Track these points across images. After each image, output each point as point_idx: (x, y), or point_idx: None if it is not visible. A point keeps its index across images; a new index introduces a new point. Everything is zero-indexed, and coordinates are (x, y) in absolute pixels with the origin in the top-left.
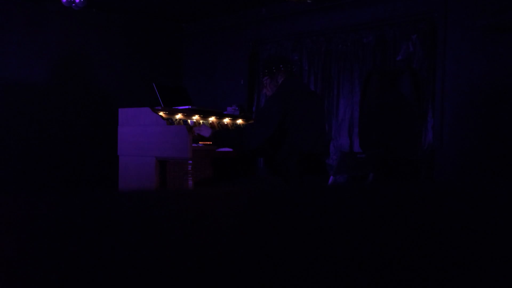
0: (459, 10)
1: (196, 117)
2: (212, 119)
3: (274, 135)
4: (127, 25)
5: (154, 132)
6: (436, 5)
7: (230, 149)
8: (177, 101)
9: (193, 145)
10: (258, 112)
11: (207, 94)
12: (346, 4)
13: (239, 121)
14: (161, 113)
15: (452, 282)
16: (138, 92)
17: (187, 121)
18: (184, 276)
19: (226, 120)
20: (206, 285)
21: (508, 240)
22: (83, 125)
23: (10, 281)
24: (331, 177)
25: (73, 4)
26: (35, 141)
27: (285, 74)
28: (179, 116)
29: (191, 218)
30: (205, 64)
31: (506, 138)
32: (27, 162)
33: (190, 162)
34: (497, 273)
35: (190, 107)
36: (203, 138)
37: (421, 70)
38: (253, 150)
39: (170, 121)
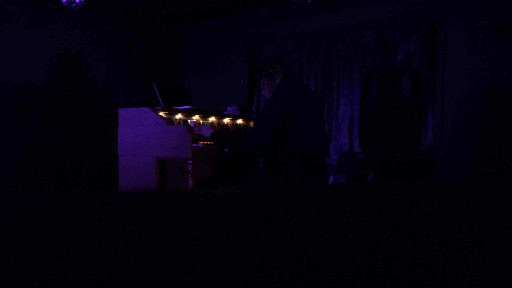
0: (459, 10)
1: (196, 117)
2: (212, 119)
3: (274, 136)
4: (127, 25)
5: (154, 132)
6: (436, 5)
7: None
8: (177, 101)
9: (193, 145)
10: (258, 115)
11: (207, 94)
12: (346, 4)
13: (239, 121)
14: (161, 113)
15: (452, 281)
16: (138, 92)
17: (187, 121)
18: (184, 276)
19: (226, 120)
20: (206, 285)
21: (508, 240)
22: (83, 125)
23: (10, 281)
24: (331, 177)
25: (73, 4)
26: (35, 141)
27: (282, 74)
28: (179, 116)
29: (191, 218)
30: (205, 64)
31: (506, 138)
32: (27, 162)
33: (190, 162)
34: (497, 273)
35: (190, 107)
36: (203, 138)
37: (421, 70)
38: (253, 153)
39: (170, 121)
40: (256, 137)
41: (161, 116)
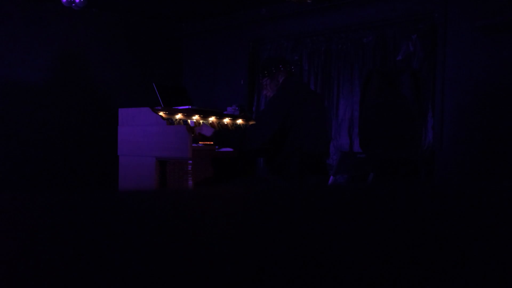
0: (459, 10)
1: (196, 117)
2: (212, 119)
3: (276, 135)
4: (127, 25)
5: (154, 132)
6: (436, 5)
7: (231, 149)
8: (177, 101)
9: (193, 145)
10: (260, 112)
11: (207, 94)
12: (346, 4)
13: (239, 121)
14: (161, 113)
15: (452, 282)
16: (138, 92)
17: (187, 121)
18: (184, 276)
19: (226, 120)
20: (206, 285)
21: (508, 241)
22: (83, 125)
23: (10, 281)
24: (331, 177)
25: (73, 4)
26: (35, 141)
27: (285, 74)
28: (179, 116)
29: (191, 218)
30: (205, 64)
31: (506, 138)
32: (27, 162)
33: (190, 162)
34: (497, 274)
35: (190, 107)
36: (204, 138)
37: (421, 70)
38: (254, 150)
39: (170, 121)
40: (257, 135)
41: (161, 116)
